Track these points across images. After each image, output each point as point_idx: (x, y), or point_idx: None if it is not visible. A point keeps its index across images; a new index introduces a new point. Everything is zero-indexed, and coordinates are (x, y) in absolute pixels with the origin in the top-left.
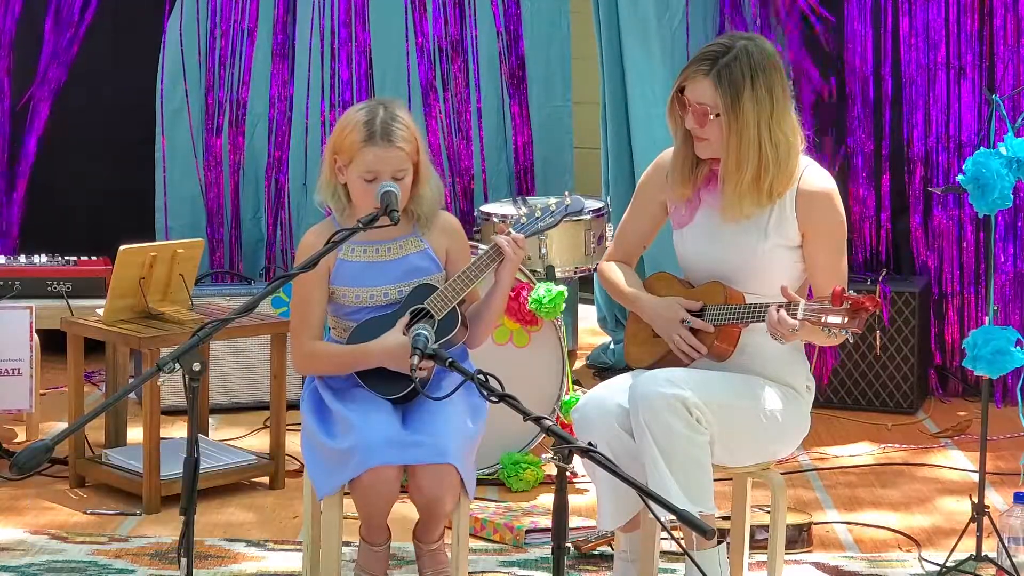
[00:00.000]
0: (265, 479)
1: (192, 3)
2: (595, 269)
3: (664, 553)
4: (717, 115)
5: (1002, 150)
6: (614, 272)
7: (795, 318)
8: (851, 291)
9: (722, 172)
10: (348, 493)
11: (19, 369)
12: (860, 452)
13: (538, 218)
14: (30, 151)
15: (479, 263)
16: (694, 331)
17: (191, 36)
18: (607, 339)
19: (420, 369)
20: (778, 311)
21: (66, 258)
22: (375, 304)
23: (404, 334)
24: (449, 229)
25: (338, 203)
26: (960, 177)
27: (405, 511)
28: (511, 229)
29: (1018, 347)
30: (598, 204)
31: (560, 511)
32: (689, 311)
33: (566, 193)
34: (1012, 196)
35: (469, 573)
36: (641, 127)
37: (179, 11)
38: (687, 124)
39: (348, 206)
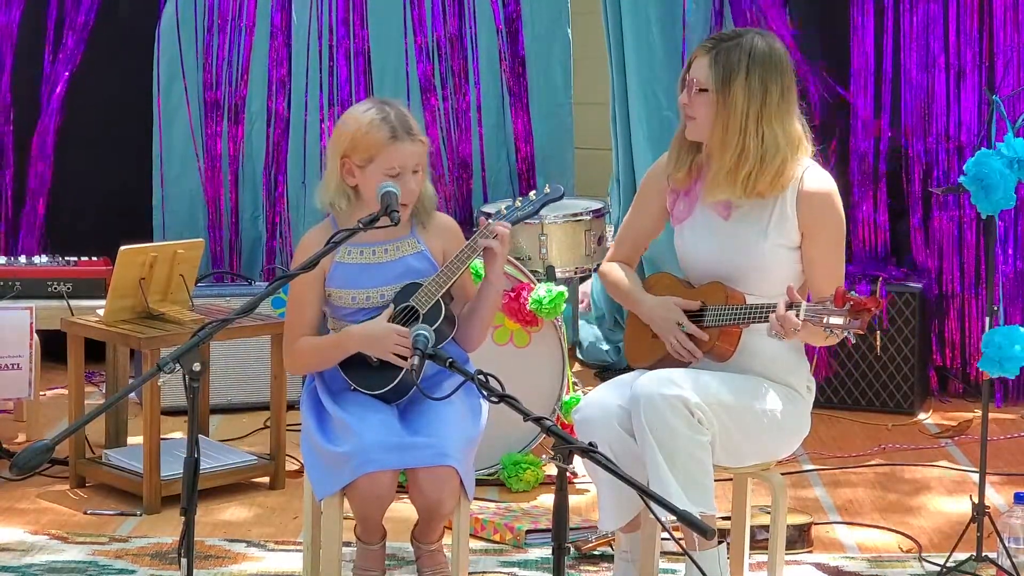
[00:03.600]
0: (265, 479)
1: (189, 1)
2: (595, 269)
3: (664, 553)
4: (705, 90)
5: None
6: (616, 272)
7: (797, 318)
8: (853, 292)
9: (706, 151)
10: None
11: (18, 364)
12: (860, 452)
13: (518, 208)
14: (28, 151)
15: (461, 256)
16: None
17: (188, 33)
18: (607, 339)
19: (412, 370)
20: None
21: (66, 258)
22: (371, 306)
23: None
24: (446, 230)
25: (348, 205)
26: (962, 178)
27: (405, 511)
28: (491, 221)
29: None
30: (598, 204)
31: (560, 511)
32: (688, 311)
33: (547, 185)
34: (1015, 195)
35: (469, 573)
36: (642, 128)
37: (174, 7)
38: (680, 99)
39: (356, 206)
